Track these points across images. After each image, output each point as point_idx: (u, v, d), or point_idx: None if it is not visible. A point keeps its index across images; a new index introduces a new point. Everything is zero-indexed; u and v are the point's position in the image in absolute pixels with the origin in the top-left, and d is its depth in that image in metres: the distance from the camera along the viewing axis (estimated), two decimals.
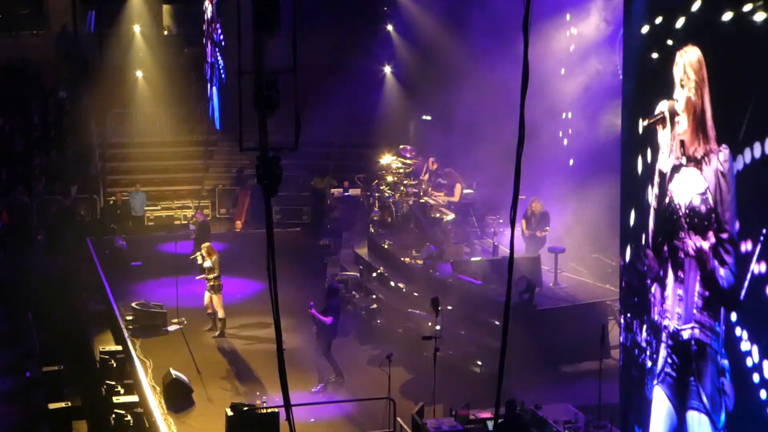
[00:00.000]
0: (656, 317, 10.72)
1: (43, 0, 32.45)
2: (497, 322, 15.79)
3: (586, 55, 19.36)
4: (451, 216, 19.35)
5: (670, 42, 10.09)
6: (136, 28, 32.25)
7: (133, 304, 18.92)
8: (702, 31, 9.61)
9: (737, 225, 9.14)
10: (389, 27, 30.23)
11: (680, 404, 10.26)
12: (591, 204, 17.93)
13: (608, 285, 17.49)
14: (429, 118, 27.37)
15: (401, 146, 21.94)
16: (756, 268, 8.82)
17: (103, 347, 17.00)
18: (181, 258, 20.02)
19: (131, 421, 13.90)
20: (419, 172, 21.19)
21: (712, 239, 9.52)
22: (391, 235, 20.66)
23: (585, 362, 15.35)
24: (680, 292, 10.17)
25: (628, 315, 11.48)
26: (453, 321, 16.44)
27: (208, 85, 30.17)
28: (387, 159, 21.51)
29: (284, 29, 6.12)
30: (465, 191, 20.34)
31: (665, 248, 10.46)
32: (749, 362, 8.99)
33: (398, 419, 13.32)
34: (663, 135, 10.38)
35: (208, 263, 18.10)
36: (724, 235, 9.33)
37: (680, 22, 9.92)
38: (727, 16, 9.09)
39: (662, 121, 10.32)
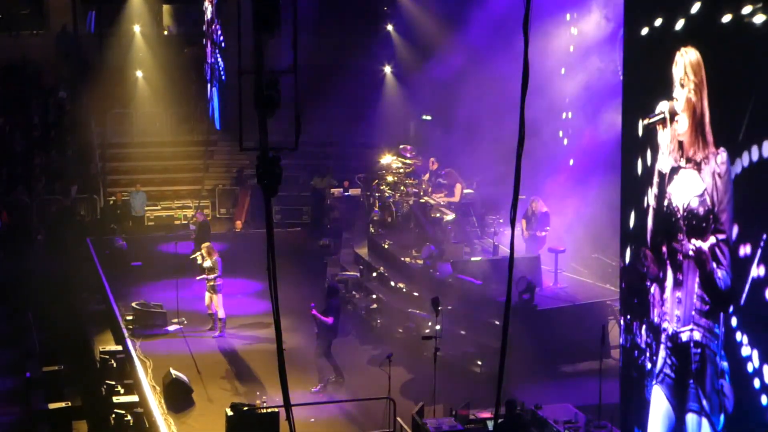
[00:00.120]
0: (656, 319, 10.71)
1: (43, 0, 32.44)
2: (497, 322, 15.78)
3: (586, 54, 19.33)
4: (451, 216, 19.35)
5: (669, 43, 10.08)
6: (136, 28, 32.24)
7: (133, 304, 18.92)
8: (701, 33, 9.60)
9: (736, 228, 9.13)
10: (389, 27, 30.22)
11: (679, 405, 10.26)
12: (591, 203, 17.93)
13: (608, 285, 17.48)
14: (429, 118, 27.36)
15: (401, 146, 21.94)
16: (756, 272, 8.80)
17: (103, 347, 17.00)
18: (182, 258, 20.01)
19: (131, 421, 13.90)
20: (420, 172, 21.19)
21: (710, 241, 9.52)
22: (391, 235, 20.67)
23: (585, 362, 15.36)
24: (679, 294, 10.17)
25: (628, 316, 11.47)
26: (453, 321, 16.43)
27: (208, 85, 30.17)
28: (387, 159, 21.51)
29: (284, 29, 6.12)
30: (465, 191, 20.34)
31: (664, 250, 10.45)
32: (750, 367, 8.98)
33: (398, 419, 13.32)
34: (663, 135, 10.38)
35: (208, 263, 18.10)
36: (722, 237, 9.32)
37: (680, 24, 9.92)
38: (727, 18, 9.07)
39: (662, 121, 10.32)
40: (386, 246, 20.25)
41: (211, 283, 18.11)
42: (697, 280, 9.78)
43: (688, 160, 9.89)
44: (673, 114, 10.11)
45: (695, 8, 9.64)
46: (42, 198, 27.28)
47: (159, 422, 13.94)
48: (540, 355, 15.49)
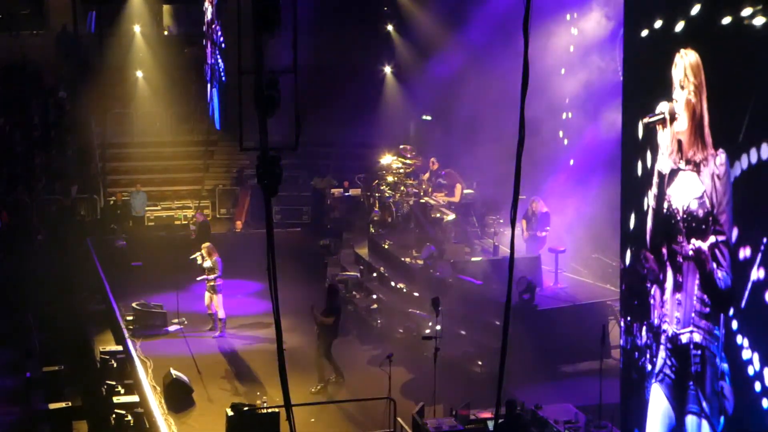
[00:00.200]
0: (656, 321, 10.70)
1: (43, 0, 32.44)
2: (497, 322, 15.78)
3: (587, 52, 19.33)
4: (451, 216, 19.35)
5: (669, 44, 10.07)
6: (137, 28, 32.25)
7: (134, 304, 18.93)
8: (701, 35, 9.59)
9: (735, 230, 9.12)
10: (389, 27, 30.23)
11: (679, 407, 10.25)
12: (592, 203, 17.94)
13: (608, 285, 17.49)
14: (429, 118, 27.37)
15: (401, 146, 21.94)
16: (756, 275, 8.78)
17: (103, 347, 16.99)
18: (182, 258, 20.00)
19: (131, 421, 13.89)
20: (420, 172, 21.19)
21: (710, 243, 9.51)
22: (391, 235, 20.68)
23: (585, 362, 15.35)
24: (679, 295, 10.16)
25: (629, 318, 11.46)
26: (453, 321, 16.43)
27: (208, 86, 30.18)
28: (387, 159, 21.50)
29: (284, 29, 6.12)
30: (465, 191, 20.34)
31: (664, 252, 10.45)
32: (750, 371, 8.96)
33: (398, 419, 13.32)
34: (663, 136, 10.37)
35: (208, 263, 18.10)
36: (722, 239, 9.32)
37: (679, 26, 9.91)
38: (726, 20, 9.05)
39: (662, 121, 10.31)
40: (386, 246, 20.26)
41: (211, 284, 18.11)
42: (697, 281, 9.78)
43: (688, 162, 9.88)
44: (672, 115, 10.11)
45: (695, 10, 9.63)
46: (42, 198, 27.28)
47: (159, 422, 13.93)
48: (540, 355, 15.49)
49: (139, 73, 31.81)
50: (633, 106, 11.28)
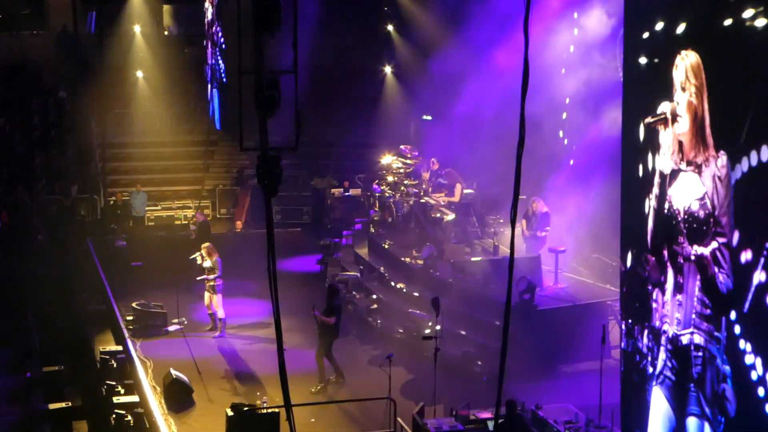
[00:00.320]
0: (657, 323, 10.69)
1: (43, 0, 32.45)
2: (497, 322, 15.78)
3: (588, 51, 19.29)
4: (451, 216, 19.36)
5: (670, 46, 10.06)
6: (137, 29, 32.26)
7: (134, 304, 18.92)
8: (702, 36, 9.57)
9: (737, 233, 9.09)
10: (389, 27, 30.24)
11: (679, 408, 10.24)
12: (592, 202, 17.92)
13: (608, 285, 17.48)
14: (429, 118, 27.37)
15: (401, 146, 21.94)
16: (758, 278, 8.73)
17: (103, 347, 16.99)
18: (182, 258, 20.00)
19: (132, 422, 13.89)
20: (420, 172, 21.19)
21: (711, 245, 9.49)
22: (391, 235, 20.68)
23: (585, 362, 15.35)
24: (680, 297, 10.15)
25: (630, 321, 11.42)
26: (453, 321, 16.44)
27: (209, 86, 30.18)
28: (387, 159, 21.51)
29: (285, 29, 6.13)
30: (465, 191, 20.34)
31: (665, 252, 10.44)
32: (754, 375, 8.90)
33: (399, 419, 13.32)
34: (664, 136, 10.35)
35: (208, 263, 18.10)
36: (723, 241, 9.30)
37: (681, 28, 9.89)
38: (728, 21, 9.03)
39: (664, 121, 10.29)
40: (386, 246, 20.26)
41: (211, 283, 18.11)
42: (698, 283, 9.76)
43: (689, 163, 9.87)
44: (674, 116, 10.09)
45: (696, 11, 9.61)
46: (42, 198, 27.28)
47: (159, 422, 13.93)
48: (540, 355, 15.50)
49: (139, 73, 31.82)
50: (633, 106, 11.25)
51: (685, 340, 10.05)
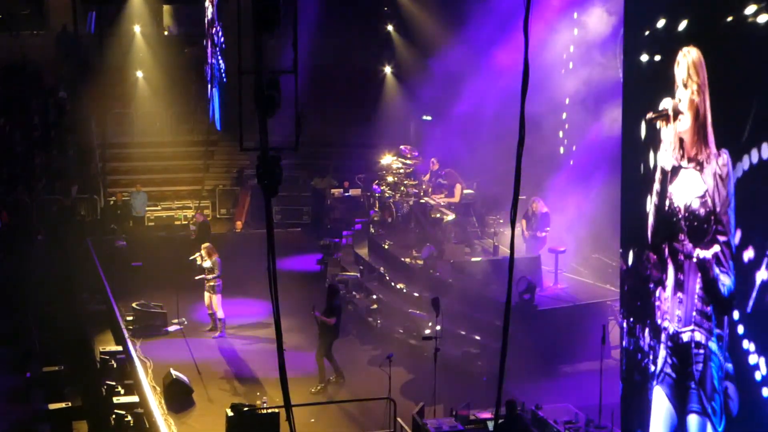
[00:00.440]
0: (658, 321, 10.68)
1: (43, 0, 32.45)
2: (497, 322, 15.78)
3: (589, 50, 19.27)
4: (451, 216, 19.36)
5: (672, 43, 10.04)
6: (137, 29, 32.25)
7: (134, 304, 18.92)
8: (704, 33, 9.55)
9: (739, 232, 9.06)
10: (389, 27, 30.24)
11: (680, 406, 10.23)
12: (593, 201, 17.92)
13: (608, 285, 17.48)
14: (429, 118, 27.37)
15: (401, 146, 21.94)
16: (760, 277, 8.70)
17: (103, 347, 17.00)
18: (182, 258, 20.00)
19: (131, 422, 13.89)
20: (420, 172, 21.19)
21: (712, 243, 9.48)
22: (391, 235, 20.67)
23: (585, 362, 15.35)
24: (680, 294, 10.14)
25: (631, 319, 11.41)
26: (453, 321, 16.43)
27: (209, 86, 30.19)
28: (387, 159, 21.50)
29: (285, 29, 6.13)
30: (465, 191, 20.34)
31: (665, 249, 10.43)
32: (758, 376, 8.86)
33: (399, 419, 13.32)
34: (666, 132, 10.32)
35: (207, 263, 18.10)
36: (723, 239, 9.28)
37: (682, 25, 9.87)
38: (730, 18, 9.00)
39: (665, 117, 10.27)
40: (386, 246, 20.26)
41: (211, 284, 18.11)
42: (699, 281, 9.75)
43: (690, 160, 9.85)
44: (676, 112, 10.07)
45: (698, 8, 9.59)
46: (42, 198, 27.28)
47: (159, 423, 13.93)
48: (540, 355, 15.50)
49: (139, 73, 31.82)
50: (634, 103, 11.23)
51: (685, 337, 10.04)
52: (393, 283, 19.03)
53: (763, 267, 8.68)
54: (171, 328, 18.61)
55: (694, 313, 9.87)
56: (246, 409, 13.25)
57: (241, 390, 15.72)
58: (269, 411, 13.41)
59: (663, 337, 10.51)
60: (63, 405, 14.44)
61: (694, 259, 9.82)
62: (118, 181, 29.34)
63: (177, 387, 15.23)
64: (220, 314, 18.25)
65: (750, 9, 8.67)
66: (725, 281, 9.30)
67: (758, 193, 8.78)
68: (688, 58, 9.76)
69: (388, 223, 21.12)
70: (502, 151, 16.02)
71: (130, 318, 18.76)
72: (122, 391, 14.78)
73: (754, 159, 8.72)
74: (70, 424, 14.43)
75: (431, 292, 16.74)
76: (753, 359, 8.94)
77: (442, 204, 19.78)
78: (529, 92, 5.78)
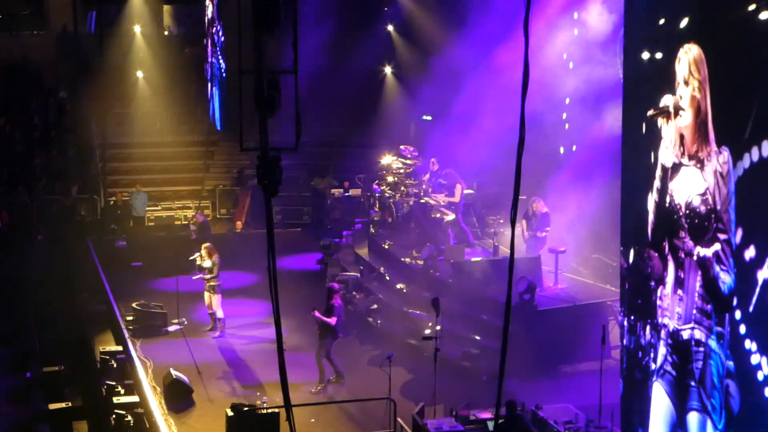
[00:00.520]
0: (659, 318, 10.68)
1: (43, 0, 32.46)
2: (498, 323, 15.77)
3: (589, 49, 19.26)
4: (451, 216, 19.36)
5: (672, 41, 10.03)
6: (137, 29, 32.26)
7: (134, 305, 18.92)
8: (705, 30, 9.54)
9: (740, 230, 9.04)
10: (389, 27, 30.24)
11: (680, 403, 10.22)
12: (593, 201, 17.91)
13: (608, 285, 17.47)
14: (429, 118, 27.37)
15: (401, 146, 21.94)
16: (762, 276, 8.67)
17: (103, 347, 17.00)
18: (182, 258, 20.01)
19: (132, 422, 13.90)
20: (420, 172, 21.18)
21: (713, 241, 9.48)
22: (391, 235, 20.67)
23: (585, 362, 15.35)
24: (680, 292, 10.13)
25: (632, 317, 11.40)
26: (453, 321, 16.43)
27: (209, 85, 30.19)
28: (387, 159, 21.50)
29: (285, 29, 6.12)
30: (465, 192, 20.34)
31: (665, 246, 10.42)
32: (760, 376, 8.82)
33: (399, 420, 13.32)
34: (667, 129, 10.30)
35: (207, 263, 18.09)
36: (724, 237, 9.28)
37: (683, 22, 9.86)
38: (732, 15, 8.99)
39: (666, 114, 10.25)
40: (386, 246, 20.26)
41: (211, 284, 18.10)
42: (699, 279, 9.74)
43: (691, 157, 9.85)
44: (677, 109, 10.05)
45: (699, 5, 9.57)
46: (42, 198, 27.28)
47: (159, 423, 13.93)
48: (540, 355, 15.50)
49: (140, 73, 31.83)
50: (634, 101, 11.21)
51: (685, 335, 10.03)
52: (393, 284, 19.03)
53: (765, 266, 8.65)
54: (171, 328, 18.61)
55: (694, 311, 9.86)
56: (246, 409, 13.26)
57: (241, 390, 15.72)
58: (269, 411, 13.41)
59: (663, 333, 10.50)
60: (63, 405, 14.44)
61: (695, 257, 9.81)
62: (119, 181, 29.35)
63: (177, 387, 15.23)
64: (219, 314, 18.25)
65: (751, 6, 8.65)
66: (725, 279, 9.29)
67: (759, 192, 8.76)
68: (689, 55, 9.74)
69: (388, 223, 21.11)
70: (502, 151, 16.03)
71: (130, 318, 18.76)
72: (122, 391, 14.78)
73: (755, 157, 8.71)
74: (70, 424, 14.43)
75: (431, 292, 16.74)
76: (755, 359, 8.91)
77: (442, 204, 19.78)
78: (530, 92, 5.78)
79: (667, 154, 10.35)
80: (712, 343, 9.57)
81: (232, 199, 29.32)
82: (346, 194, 27.15)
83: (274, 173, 5.97)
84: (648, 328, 10.91)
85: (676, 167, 10.15)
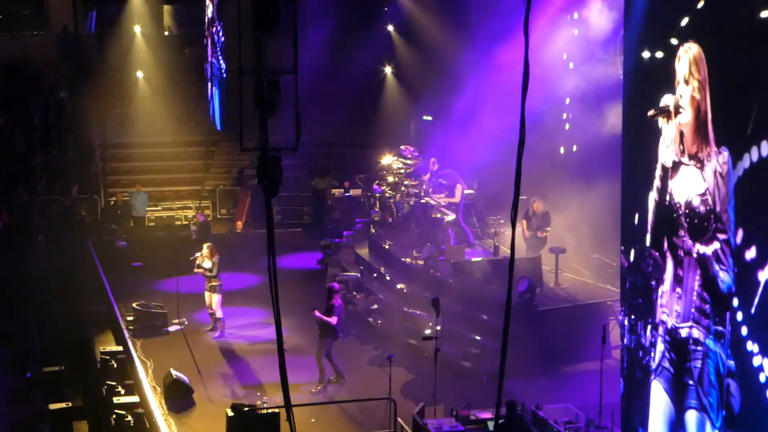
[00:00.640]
0: (658, 315, 10.67)
1: (43, 0, 32.46)
2: (498, 323, 15.77)
3: (590, 48, 19.25)
4: (451, 216, 19.36)
5: (673, 40, 10.03)
6: (137, 29, 32.26)
7: (134, 305, 18.92)
8: (706, 29, 9.53)
9: (740, 231, 9.03)
10: (389, 27, 30.24)
11: (678, 401, 10.22)
12: (593, 201, 17.90)
13: (609, 285, 17.48)
14: (430, 118, 27.37)
15: (402, 146, 21.94)
16: (763, 277, 8.65)
17: (103, 347, 17.00)
18: (182, 258, 20.00)
19: (132, 422, 13.90)
20: (420, 172, 21.18)
21: (712, 241, 9.47)
22: (391, 235, 20.67)
23: (585, 362, 15.35)
24: (679, 290, 10.13)
25: (632, 317, 11.40)
26: (453, 321, 16.43)
27: (209, 85, 30.19)
28: (387, 159, 21.50)
29: (285, 29, 6.12)
30: (466, 192, 20.34)
31: (665, 244, 10.42)
32: (762, 377, 8.78)
33: (399, 420, 13.32)
34: (667, 129, 10.30)
35: (208, 263, 18.09)
36: (723, 238, 9.27)
37: (684, 21, 9.86)
38: (732, 13, 8.98)
39: (666, 114, 10.25)
40: (387, 246, 20.26)
41: (212, 284, 18.10)
42: (698, 278, 9.73)
43: (691, 157, 9.84)
44: (677, 108, 10.04)
45: (700, 4, 9.57)
46: (42, 198, 27.28)
47: (159, 423, 13.93)
48: (540, 355, 15.50)
49: (140, 74, 31.82)
50: (634, 100, 11.21)
51: (683, 333, 10.02)
52: (393, 284, 19.03)
53: (767, 268, 8.64)
54: (171, 328, 18.62)
55: (692, 310, 9.85)
56: (246, 409, 13.25)
57: (241, 390, 15.73)
58: (269, 411, 13.41)
59: (661, 330, 10.50)
60: (63, 405, 14.45)
61: (694, 255, 9.80)
62: (119, 181, 29.33)
63: (177, 387, 15.23)
64: (219, 314, 18.25)
65: (752, 6, 8.65)
66: (724, 278, 9.28)
67: (759, 192, 8.75)
68: (689, 54, 9.73)
69: (388, 223, 21.12)
70: (502, 151, 16.03)
71: (130, 318, 18.76)
72: (122, 391, 14.79)
73: (755, 157, 8.69)
74: (71, 425, 14.43)
75: (431, 292, 16.73)
76: (757, 361, 8.88)
77: (443, 204, 19.78)
78: (530, 92, 5.78)
79: (667, 153, 10.34)
80: (710, 343, 9.56)
81: (233, 199, 29.31)
82: (347, 194, 27.13)
83: (274, 173, 5.97)
84: (648, 327, 10.91)
85: (676, 166, 10.15)
